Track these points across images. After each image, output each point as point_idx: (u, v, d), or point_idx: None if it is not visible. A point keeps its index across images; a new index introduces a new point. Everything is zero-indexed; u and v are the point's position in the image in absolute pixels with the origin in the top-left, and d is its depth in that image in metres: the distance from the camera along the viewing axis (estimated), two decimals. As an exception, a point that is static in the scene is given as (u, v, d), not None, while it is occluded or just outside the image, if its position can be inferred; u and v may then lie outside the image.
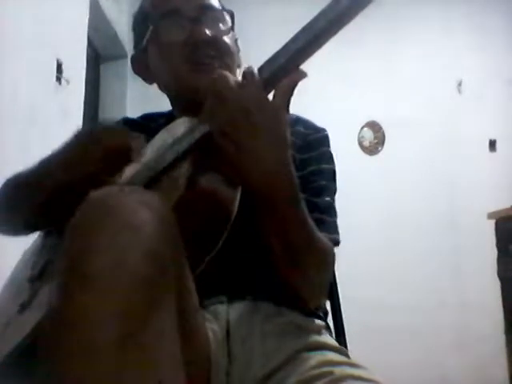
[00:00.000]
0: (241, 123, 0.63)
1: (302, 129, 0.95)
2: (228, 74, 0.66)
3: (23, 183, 0.88)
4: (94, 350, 0.44)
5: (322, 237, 0.79)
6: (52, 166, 0.82)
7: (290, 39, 0.65)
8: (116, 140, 0.77)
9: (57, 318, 0.48)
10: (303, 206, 0.71)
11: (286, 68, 0.65)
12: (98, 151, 0.77)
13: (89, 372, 0.44)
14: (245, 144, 0.64)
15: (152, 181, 0.72)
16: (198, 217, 0.67)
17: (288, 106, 0.67)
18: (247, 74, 0.65)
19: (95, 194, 0.54)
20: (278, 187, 0.67)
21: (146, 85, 1.01)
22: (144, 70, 0.97)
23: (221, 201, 0.69)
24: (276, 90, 0.66)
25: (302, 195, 0.75)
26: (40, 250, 0.87)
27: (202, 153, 0.68)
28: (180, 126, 0.76)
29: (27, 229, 0.89)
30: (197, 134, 0.68)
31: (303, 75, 0.66)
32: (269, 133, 0.65)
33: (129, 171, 0.79)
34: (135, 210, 0.52)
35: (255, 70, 0.66)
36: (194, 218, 0.67)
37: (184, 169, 0.68)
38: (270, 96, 0.67)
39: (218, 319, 0.76)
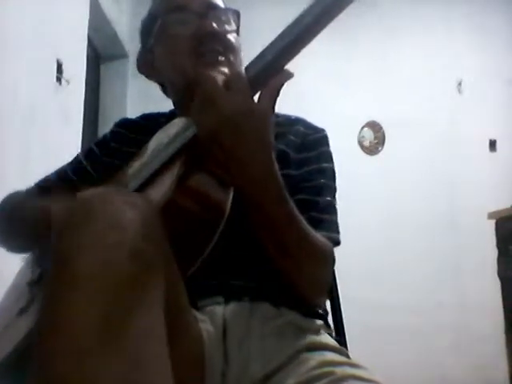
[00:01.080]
0: (225, 130, 0.64)
1: (301, 128, 0.96)
2: (217, 75, 0.66)
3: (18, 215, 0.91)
4: (79, 350, 0.44)
5: (318, 235, 0.79)
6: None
7: (276, 37, 0.64)
8: None
9: (44, 319, 0.48)
10: (290, 204, 0.72)
11: (273, 66, 0.65)
12: None
13: (73, 373, 0.44)
14: (229, 148, 0.64)
15: (146, 181, 0.72)
16: (188, 217, 0.67)
17: (274, 108, 0.67)
18: (234, 77, 0.65)
19: (81, 195, 0.54)
20: (263, 188, 0.68)
21: (147, 84, 1.01)
22: (149, 67, 0.97)
23: (211, 201, 0.69)
24: (262, 93, 0.66)
25: (300, 194, 0.74)
26: (40, 255, 0.87)
27: (194, 152, 0.68)
28: (176, 125, 0.76)
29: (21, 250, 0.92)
30: (188, 134, 0.68)
31: (289, 76, 0.66)
32: (254, 139, 0.65)
33: (128, 172, 0.80)
34: (121, 210, 0.52)
35: (243, 73, 0.65)
36: (185, 218, 0.67)
37: (175, 169, 0.68)
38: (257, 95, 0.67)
39: (215, 320, 0.76)
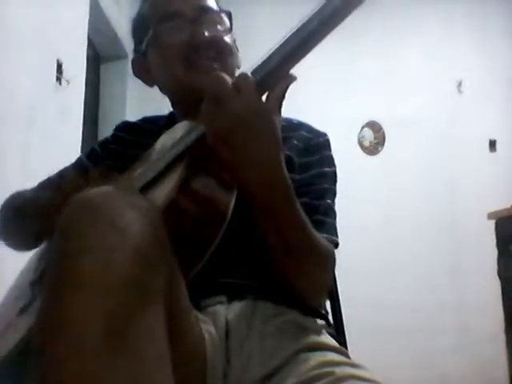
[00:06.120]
0: (237, 129, 0.64)
1: (304, 133, 0.96)
2: (225, 76, 0.66)
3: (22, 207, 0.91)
4: (81, 351, 0.44)
5: (321, 238, 0.79)
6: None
7: (282, 40, 0.65)
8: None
9: (46, 321, 0.48)
10: (298, 205, 0.72)
11: (279, 70, 0.65)
12: None
13: (76, 374, 0.44)
14: (240, 148, 0.65)
15: (149, 183, 0.72)
16: (190, 219, 0.67)
17: (280, 110, 0.68)
18: (242, 79, 0.65)
19: (82, 195, 0.54)
20: (272, 189, 0.68)
21: (146, 85, 1.01)
22: (144, 72, 0.97)
23: (215, 204, 0.69)
24: (269, 95, 0.67)
25: (302, 198, 0.74)
26: (42, 255, 0.87)
27: (198, 155, 0.68)
28: (180, 128, 0.77)
29: (28, 246, 0.92)
30: (193, 136, 0.69)
31: (293, 79, 0.66)
32: (263, 138, 0.65)
33: (132, 174, 0.80)
34: (122, 211, 0.52)
35: (249, 74, 0.66)
36: (187, 220, 0.67)
37: (179, 171, 0.68)
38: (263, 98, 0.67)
39: (217, 321, 0.76)
